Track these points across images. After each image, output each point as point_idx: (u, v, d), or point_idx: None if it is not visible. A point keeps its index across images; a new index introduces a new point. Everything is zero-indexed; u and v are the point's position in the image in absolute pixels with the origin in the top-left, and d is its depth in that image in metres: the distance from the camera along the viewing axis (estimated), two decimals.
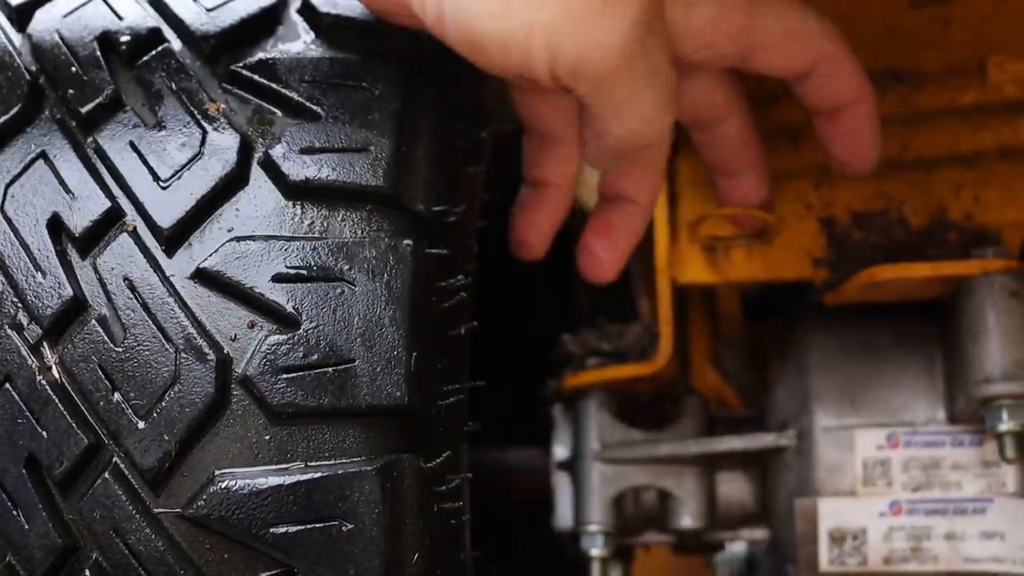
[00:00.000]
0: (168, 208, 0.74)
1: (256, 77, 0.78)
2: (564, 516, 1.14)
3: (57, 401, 0.72)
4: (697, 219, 1.02)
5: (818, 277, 1.01)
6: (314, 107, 0.77)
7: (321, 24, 0.81)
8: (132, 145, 0.76)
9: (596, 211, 0.97)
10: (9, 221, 0.75)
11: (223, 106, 0.78)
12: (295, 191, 0.75)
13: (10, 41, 0.82)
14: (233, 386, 0.71)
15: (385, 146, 0.77)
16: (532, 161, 0.95)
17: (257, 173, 0.76)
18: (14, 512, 0.72)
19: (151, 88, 0.79)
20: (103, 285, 0.73)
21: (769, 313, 1.21)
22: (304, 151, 0.76)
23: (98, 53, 0.80)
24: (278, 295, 0.72)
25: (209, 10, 0.81)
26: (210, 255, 0.73)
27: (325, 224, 0.75)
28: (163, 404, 0.71)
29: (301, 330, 0.72)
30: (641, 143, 0.80)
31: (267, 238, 0.73)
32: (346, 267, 0.73)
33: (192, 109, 0.78)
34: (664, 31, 0.76)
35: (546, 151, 0.93)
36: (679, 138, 1.01)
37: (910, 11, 0.90)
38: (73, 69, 0.79)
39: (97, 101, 0.78)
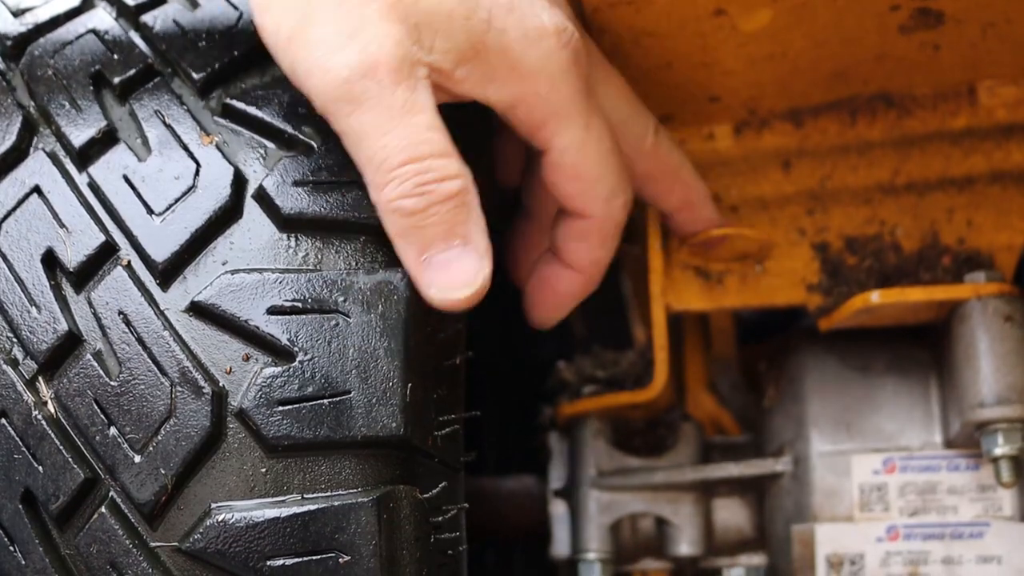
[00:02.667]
0: (162, 242, 0.74)
1: (249, 110, 0.79)
2: (561, 544, 1.13)
3: (53, 436, 0.72)
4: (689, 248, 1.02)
5: (812, 302, 1.01)
6: (307, 139, 0.78)
7: None
8: (126, 179, 0.77)
9: (540, 263, 0.97)
10: (3, 256, 0.75)
11: (216, 139, 0.78)
12: (289, 223, 0.75)
13: (3, 75, 0.82)
14: (229, 419, 0.71)
15: None
16: (554, 239, 0.95)
17: (251, 206, 0.76)
18: (11, 548, 0.72)
19: (144, 122, 0.79)
20: (98, 319, 0.73)
21: (763, 336, 1.21)
22: (297, 183, 0.76)
23: (91, 87, 0.80)
24: (273, 327, 0.72)
25: (201, 43, 0.81)
26: (205, 288, 0.73)
27: (319, 256, 0.75)
28: (159, 438, 0.71)
29: (296, 362, 0.72)
30: (385, 197, 0.75)
31: (261, 271, 0.73)
32: (341, 299, 0.73)
33: (185, 142, 0.78)
34: (420, 90, 0.75)
35: (563, 230, 0.93)
36: None
37: (900, 36, 0.90)
38: (66, 104, 0.80)
39: (91, 135, 0.78)
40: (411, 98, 0.74)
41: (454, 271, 0.76)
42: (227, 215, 0.75)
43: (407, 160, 0.74)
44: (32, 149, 0.79)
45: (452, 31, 0.75)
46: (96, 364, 0.72)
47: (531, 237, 1.00)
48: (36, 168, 0.78)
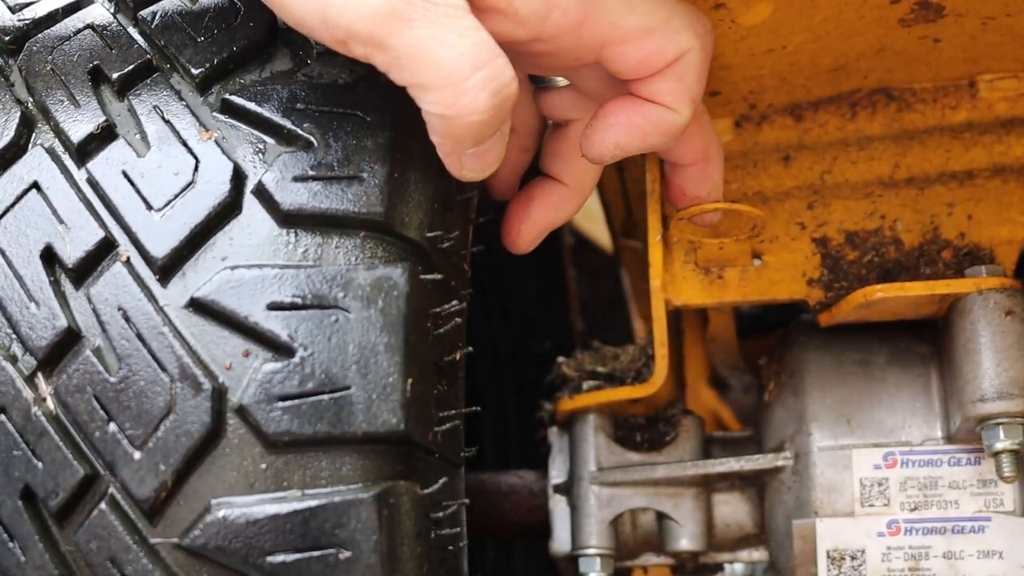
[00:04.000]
0: (162, 237, 0.74)
1: (248, 105, 0.79)
2: (562, 540, 1.13)
3: (52, 432, 0.72)
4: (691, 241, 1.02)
5: (812, 297, 1.01)
6: (307, 135, 0.77)
7: (312, 52, 0.81)
8: (125, 175, 0.76)
9: (528, 184, 0.96)
10: (2, 252, 0.75)
11: (215, 134, 0.78)
12: (288, 219, 0.75)
13: (2, 71, 0.82)
14: (228, 415, 0.71)
15: (378, 173, 0.77)
16: (546, 151, 0.95)
17: (250, 201, 0.76)
18: (10, 544, 0.72)
19: (143, 117, 0.79)
20: (97, 316, 0.73)
21: (763, 330, 1.22)
22: (297, 179, 0.76)
23: (90, 83, 0.80)
24: (273, 323, 0.72)
25: (200, 39, 0.81)
26: (204, 284, 0.73)
27: (319, 252, 0.75)
28: (159, 434, 0.71)
29: (296, 358, 0.72)
30: (460, 118, 0.74)
31: (261, 266, 0.73)
32: (340, 294, 0.73)
33: (184, 138, 0.78)
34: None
35: (556, 143, 0.94)
36: None
37: (900, 30, 0.90)
38: (65, 99, 0.80)
39: (89, 131, 0.78)
40: (456, 3, 0.72)
41: (489, 156, 0.78)
42: (226, 211, 0.75)
43: (477, 67, 0.72)
44: (30, 145, 0.79)
45: None
46: (95, 360, 0.72)
47: (557, 201, 0.97)
48: (35, 164, 0.78)
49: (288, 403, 0.71)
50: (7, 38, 0.83)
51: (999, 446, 0.91)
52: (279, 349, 0.72)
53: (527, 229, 0.96)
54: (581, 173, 0.95)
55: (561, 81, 0.94)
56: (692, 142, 0.92)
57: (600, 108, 0.87)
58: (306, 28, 0.74)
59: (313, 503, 0.70)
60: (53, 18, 0.85)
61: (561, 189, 0.96)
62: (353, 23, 0.71)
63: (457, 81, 0.72)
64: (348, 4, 0.71)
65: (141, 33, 0.83)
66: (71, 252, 0.75)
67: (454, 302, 0.80)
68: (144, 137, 0.78)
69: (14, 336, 0.74)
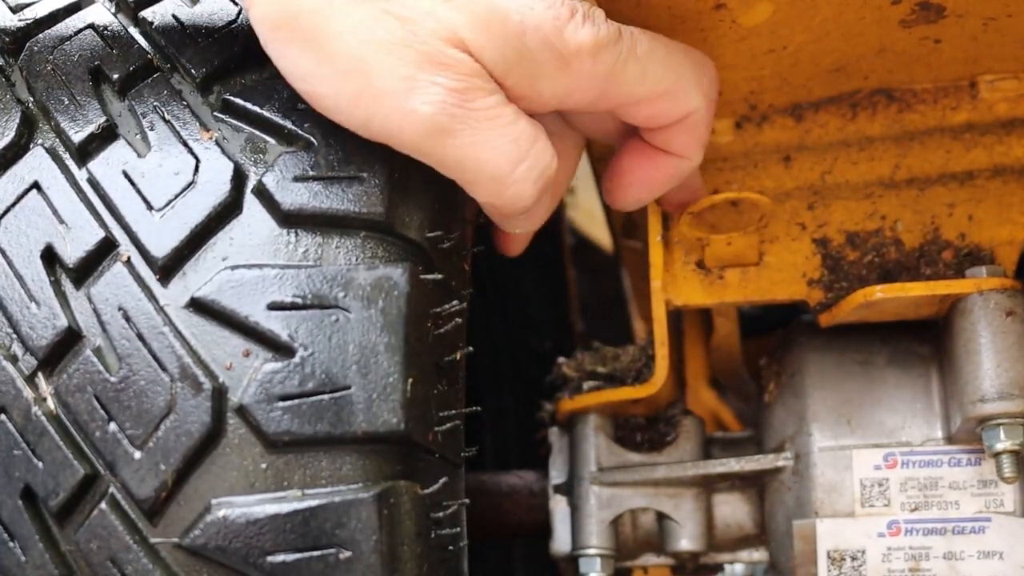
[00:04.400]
0: (162, 237, 0.74)
1: (249, 105, 0.79)
2: (562, 540, 1.13)
3: (53, 432, 0.72)
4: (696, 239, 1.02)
5: (813, 298, 1.01)
6: (307, 135, 0.77)
7: None
8: (125, 175, 0.77)
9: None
10: (3, 252, 0.75)
11: (216, 134, 0.78)
12: (289, 219, 0.75)
13: (2, 71, 0.82)
14: (229, 415, 0.71)
15: (379, 173, 0.77)
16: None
17: (251, 201, 0.76)
18: (11, 544, 0.72)
19: (144, 117, 0.79)
20: (98, 315, 0.73)
21: (764, 331, 1.21)
22: (298, 179, 0.76)
23: (90, 83, 0.80)
24: (273, 323, 0.72)
25: (201, 39, 0.81)
26: (204, 284, 0.73)
27: (319, 252, 0.75)
28: (159, 434, 0.71)
29: (296, 358, 0.72)
30: (508, 207, 0.81)
31: (261, 266, 0.73)
32: (341, 294, 0.73)
33: (185, 138, 0.78)
34: (495, 93, 0.77)
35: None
36: None
37: (900, 30, 0.90)
38: (66, 99, 0.80)
39: (90, 131, 0.78)
40: (490, 104, 0.76)
41: (535, 217, 0.87)
42: (227, 211, 0.75)
43: (519, 160, 0.78)
44: (31, 145, 0.79)
45: (494, 42, 0.75)
46: (96, 360, 0.72)
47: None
48: (35, 164, 0.78)
49: (288, 403, 0.71)
50: (8, 38, 0.83)
51: (999, 447, 0.91)
52: (279, 349, 0.72)
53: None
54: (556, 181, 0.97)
55: None
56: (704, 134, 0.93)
57: (616, 162, 0.93)
58: (348, 126, 0.77)
59: (313, 503, 0.70)
60: (54, 18, 0.85)
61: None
62: (397, 137, 0.76)
63: (502, 177, 0.78)
64: (392, 122, 0.75)
65: (142, 33, 0.83)
66: (72, 252, 0.75)
67: (454, 302, 0.80)
68: (145, 137, 0.78)
69: (14, 336, 0.74)
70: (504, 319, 1.60)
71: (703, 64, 0.86)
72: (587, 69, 0.79)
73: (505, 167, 0.77)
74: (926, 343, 1.02)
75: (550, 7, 0.77)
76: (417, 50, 0.74)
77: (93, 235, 0.75)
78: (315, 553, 0.70)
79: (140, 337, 0.72)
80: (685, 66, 0.84)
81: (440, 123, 0.74)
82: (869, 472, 1.00)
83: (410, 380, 0.73)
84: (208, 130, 0.78)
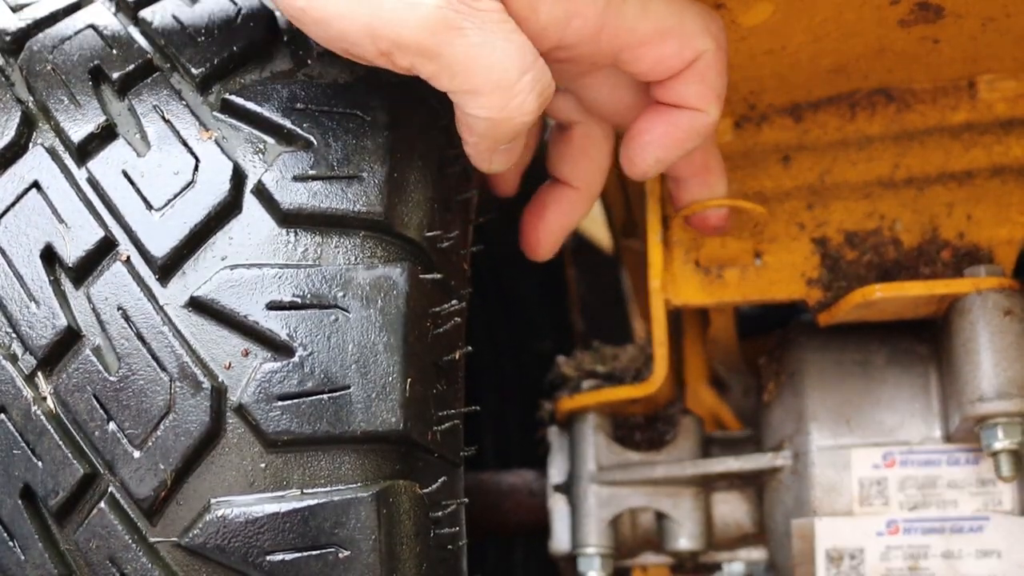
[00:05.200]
0: (161, 237, 0.74)
1: (248, 105, 0.79)
2: (561, 539, 1.13)
3: (52, 431, 0.72)
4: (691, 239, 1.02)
5: (811, 297, 1.01)
6: (306, 135, 0.78)
7: (312, 52, 0.81)
8: (125, 174, 0.77)
9: (538, 191, 0.98)
10: (2, 251, 0.75)
11: (215, 134, 0.78)
12: (288, 219, 0.75)
13: (2, 70, 0.82)
14: (228, 414, 0.71)
15: (378, 173, 0.77)
16: (552, 156, 0.96)
17: (250, 201, 0.76)
18: (10, 543, 0.72)
19: (143, 117, 0.79)
20: (97, 315, 0.73)
21: (763, 331, 1.22)
22: (297, 178, 0.76)
23: (90, 82, 0.80)
24: (272, 323, 0.72)
25: (201, 39, 0.81)
26: (204, 283, 0.73)
27: (318, 251, 0.75)
28: (158, 433, 0.71)
29: (296, 358, 0.72)
30: (508, 121, 0.77)
31: (261, 266, 0.74)
32: (340, 294, 0.73)
33: (184, 137, 0.78)
34: (507, 7, 0.74)
35: (562, 145, 0.95)
36: None
37: (899, 30, 0.90)
38: (65, 99, 0.80)
39: (90, 130, 0.78)
40: (495, 7, 0.73)
41: (515, 150, 0.83)
42: (226, 210, 0.75)
43: (524, 70, 0.75)
44: (31, 144, 0.79)
45: None
46: (95, 359, 0.72)
47: (567, 205, 0.98)
48: (35, 163, 0.78)
49: (287, 402, 0.71)
50: (8, 38, 0.83)
51: (998, 446, 0.91)
52: (278, 348, 0.72)
53: (545, 236, 0.98)
54: (589, 175, 0.96)
55: None
56: (690, 155, 0.92)
57: (633, 126, 0.89)
58: (348, 43, 0.74)
59: (312, 502, 0.70)
60: (54, 18, 0.85)
61: (571, 192, 0.97)
62: (403, 35, 0.72)
63: (509, 85, 0.75)
64: (397, 16, 0.71)
65: (142, 33, 0.83)
66: (71, 251, 0.75)
67: (454, 301, 0.80)
68: (144, 137, 0.78)
69: (14, 335, 0.74)
70: (504, 319, 1.60)
71: (708, 10, 0.84)
72: None
73: (512, 73, 0.74)
74: (925, 342, 1.02)
75: None
76: None
77: (93, 234, 0.75)
78: (314, 552, 0.70)
79: (139, 336, 0.72)
80: (688, 7, 0.82)
81: (448, 18, 0.72)
82: (868, 471, 1.00)
83: (409, 380, 0.73)
84: (207, 130, 0.78)
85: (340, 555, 0.70)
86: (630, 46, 0.81)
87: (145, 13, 0.83)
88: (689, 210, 0.97)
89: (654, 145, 0.88)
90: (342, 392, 0.72)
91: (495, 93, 0.75)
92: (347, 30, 0.73)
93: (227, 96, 0.79)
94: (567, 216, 0.98)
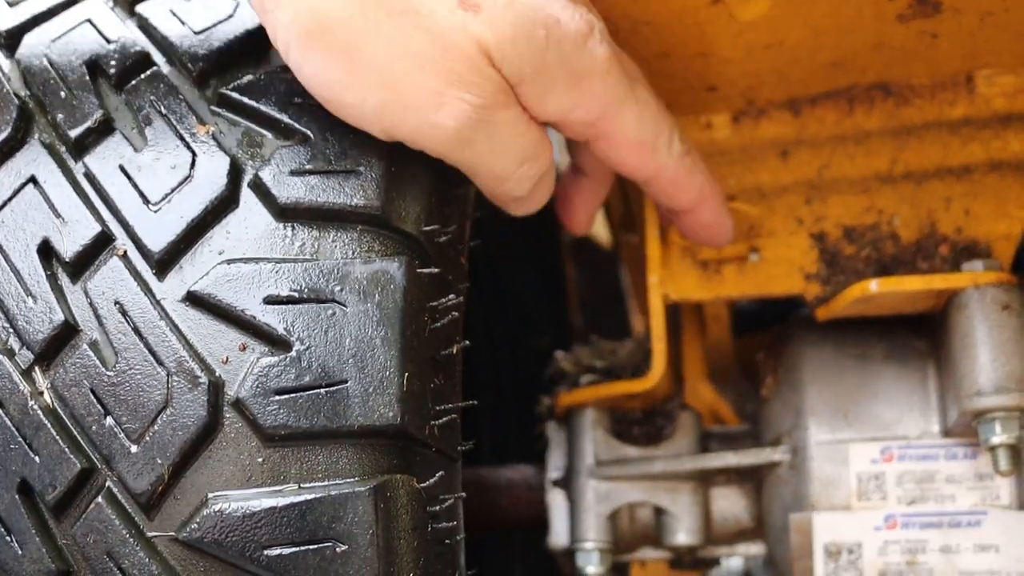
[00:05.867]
0: (158, 232, 0.74)
1: (245, 99, 0.79)
2: (560, 534, 1.13)
3: (49, 426, 0.72)
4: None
5: (809, 292, 1.01)
6: (304, 129, 0.77)
7: None
8: (122, 169, 0.77)
9: (563, 177, 1.02)
10: (0, 246, 0.75)
11: (213, 128, 0.78)
12: (285, 213, 0.75)
13: None
14: (225, 409, 0.71)
15: (375, 167, 0.77)
16: (571, 150, 1.01)
17: (247, 195, 0.76)
18: (7, 538, 0.72)
19: (140, 112, 0.79)
20: (94, 309, 0.73)
21: (761, 326, 1.22)
22: (294, 173, 0.76)
23: (87, 77, 0.80)
24: (270, 317, 0.72)
25: (198, 33, 0.81)
26: (201, 278, 0.73)
27: (316, 246, 0.75)
28: (155, 428, 0.71)
29: (293, 352, 0.72)
30: (512, 194, 0.85)
31: (258, 260, 0.73)
32: (337, 288, 0.73)
33: (181, 132, 0.78)
34: (514, 106, 0.79)
35: (576, 145, 0.98)
36: None
37: (898, 25, 0.90)
38: (62, 93, 0.80)
39: (87, 125, 0.78)
40: (509, 117, 0.79)
41: (534, 201, 0.90)
42: (223, 205, 0.75)
43: (522, 162, 0.82)
44: (28, 139, 0.79)
45: (518, 55, 0.77)
46: (92, 354, 0.72)
47: (588, 192, 1.03)
48: (32, 158, 0.78)
49: (285, 397, 0.71)
50: (5, 32, 0.83)
51: (996, 440, 0.91)
52: (276, 343, 0.72)
53: (580, 219, 1.04)
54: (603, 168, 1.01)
55: None
56: (683, 193, 0.95)
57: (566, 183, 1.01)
58: (368, 131, 0.79)
59: (310, 496, 0.70)
60: (51, 12, 0.85)
61: (586, 181, 1.02)
62: (420, 145, 0.78)
63: (506, 176, 0.83)
64: (420, 131, 0.77)
65: (139, 27, 0.83)
66: (68, 246, 0.75)
67: (451, 296, 0.80)
68: (141, 131, 0.78)
69: (11, 330, 0.74)
70: (502, 314, 1.60)
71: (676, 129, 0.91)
72: (597, 88, 0.82)
73: (510, 167, 0.82)
74: (923, 337, 1.02)
75: (573, 20, 0.79)
76: (447, 66, 0.75)
77: (90, 229, 0.75)
78: (312, 547, 0.70)
79: (136, 331, 0.72)
80: (668, 118, 0.89)
81: (464, 136, 0.77)
82: (866, 466, 1.00)
83: (406, 374, 0.73)
84: (204, 124, 0.78)
85: (338, 549, 0.70)
86: (614, 144, 0.88)
87: (142, 8, 0.83)
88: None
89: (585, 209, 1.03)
90: (339, 386, 0.72)
91: (492, 180, 0.83)
92: (365, 128, 0.78)
93: (224, 91, 0.79)
94: (592, 201, 1.04)
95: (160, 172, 0.76)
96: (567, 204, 1.03)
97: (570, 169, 1.02)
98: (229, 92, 0.79)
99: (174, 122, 0.78)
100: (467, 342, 0.83)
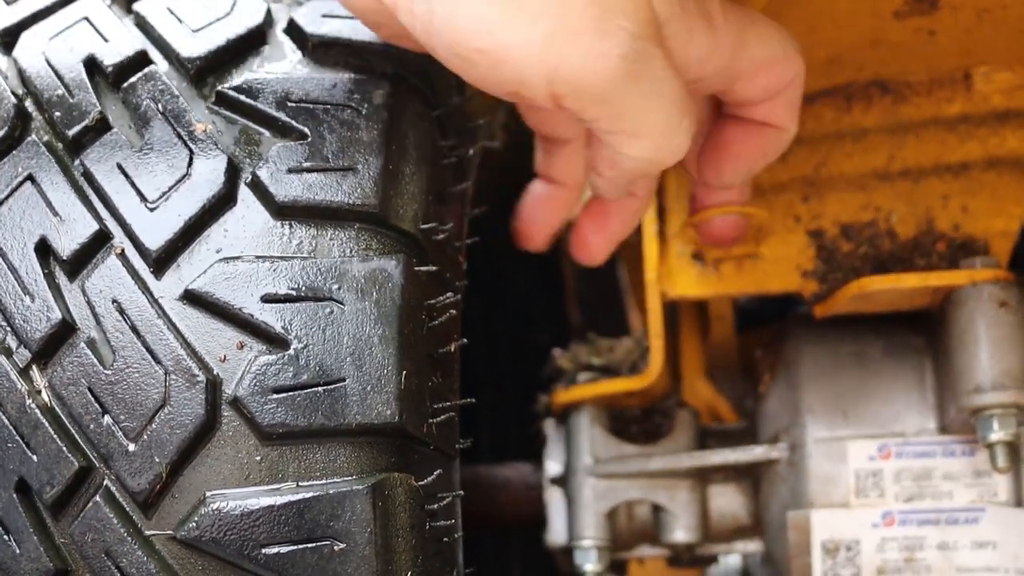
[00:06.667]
0: (156, 230, 0.74)
1: (243, 98, 0.79)
2: (558, 532, 1.13)
3: (47, 425, 0.72)
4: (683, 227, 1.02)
5: (807, 289, 1.01)
6: (301, 127, 0.77)
7: (307, 44, 0.81)
8: (119, 167, 0.76)
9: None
10: None
11: (210, 127, 0.78)
12: (283, 211, 0.75)
13: None
14: (223, 407, 0.71)
15: (372, 165, 0.77)
16: (541, 160, 0.95)
17: (245, 193, 0.76)
18: (5, 537, 0.72)
19: (137, 110, 0.79)
20: (92, 308, 0.73)
21: (758, 323, 1.22)
22: (291, 171, 0.76)
23: (84, 75, 0.80)
24: (267, 315, 0.72)
25: (195, 31, 0.81)
26: (198, 276, 0.73)
27: (313, 244, 0.75)
28: (153, 426, 0.71)
29: (291, 350, 0.72)
30: (663, 162, 0.78)
31: (256, 258, 0.73)
32: (335, 286, 0.73)
33: (179, 130, 0.78)
34: (664, 47, 0.74)
35: (554, 153, 0.94)
36: None
37: (895, 22, 0.90)
38: (59, 92, 0.79)
39: (84, 124, 0.78)
40: (661, 55, 0.73)
41: None
42: (221, 203, 0.75)
43: (684, 113, 0.75)
44: (25, 137, 0.79)
45: None
46: (90, 353, 0.72)
47: (557, 203, 0.98)
48: (29, 157, 0.78)
49: (283, 395, 0.71)
50: (2, 30, 0.83)
51: (993, 437, 0.91)
52: (274, 341, 0.72)
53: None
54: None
55: None
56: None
57: (714, 139, 0.90)
58: (519, 84, 0.73)
59: (308, 495, 0.70)
60: (48, 10, 0.84)
61: (631, 200, 0.96)
62: (586, 82, 0.71)
63: (672, 129, 0.75)
64: (586, 65, 0.70)
65: (136, 25, 0.83)
66: (65, 244, 0.74)
67: (449, 294, 0.80)
68: (138, 130, 0.78)
69: (8, 328, 0.74)
70: (500, 311, 1.60)
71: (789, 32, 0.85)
72: (723, 26, 0.77)
73: (675, 118, 0.75)
74: (920, 334, 1.02)
75: None
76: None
77: (87, 227, 0.75)
78: (309, 545, 0.70)
79: (134, 329, 0.72)
80: (783, 30, 0.83)
81: (629, 68, 0.71)
82: (864, 463, 1.00)
83: (404, 372, 0.73)
84: (202, 123, 0.78)
85: (336, 548, 0.70)
86: (749, 74, 0.82)
87: (139, 5, 0.83)
88: (695, 219, 0.98)
89: (743, 158, 0.89)
90: (337, 385, 0.72)
91: (659, 137, 0.75)
92: (526, 74, 0.72)
93: (221, 88, 0.79)
94: (628, 223, 0.98)
95: (157, 170, 0.76)
96: (532, 217, 0.98)
97: (535, 183, 0.98)
98: (227, 90, 0.79)
99: (171, 120, 0.78)
100: (465, 340, 0.83)
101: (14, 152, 0.78)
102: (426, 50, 0.73)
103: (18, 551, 0.72)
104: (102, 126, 0.78)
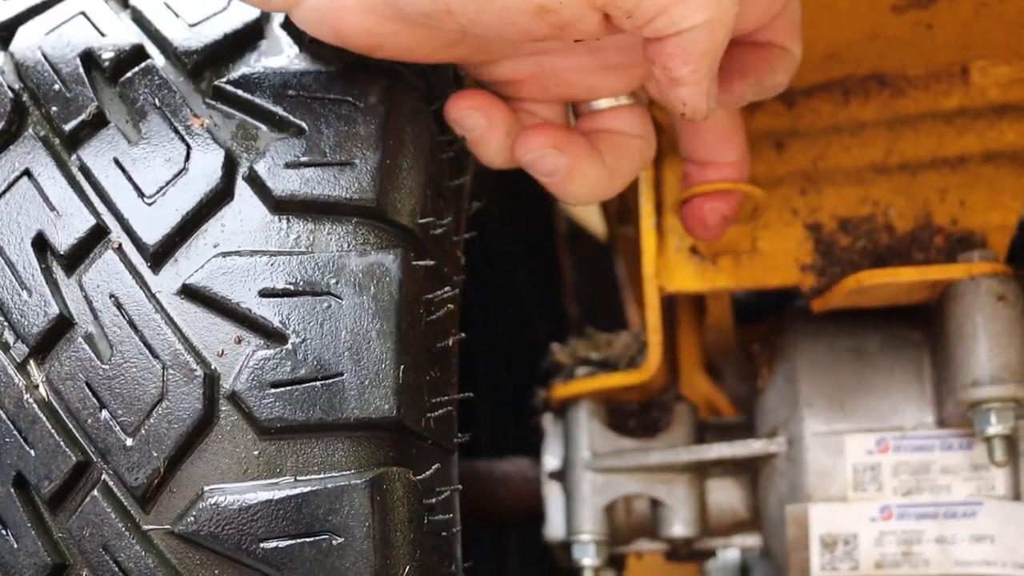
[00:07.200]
0: (153, 224, 0.74)
1: (240, 92, 0.79)
2: (556, 526, 1.14)
3: (45, 419, 0.72)
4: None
5: (805, 283, 1.01)
6: (298, 121, 0.77)
7: (304, 38, 0.81)
8: (116, 162, 0.76)
9: (685, 178, 0.95)
10: None
11: (207, 121, 0.78)
12: (280, 206, 0.75)
13: None
14: (221, 401, 0.71)
15: (370, 159, 0.77)
16: (689, 143, 0.94)
17: (242, 188, 0.76)
18: (3, 531, 0.72)
19: (135, 104, 0.79)
20: (89, 302, 0.73)
21: (757, 318, 1.22)
22: (289, 165, 0.76)
23: (81, 70, 0.80)
24: (265, 310, 0.72)
25: (192, 26, 0.81)
26: (196, 271, 0.73)
27: (311, 238, 0.75)
28: (151, 421, 0.71)
29: (288, 344, 0.72)
30: (723, 16, 0.72)
31: (253, 253, 0.73)
32: (332, 281, 0.73)
33: (176, 125, 0.78)
34: None
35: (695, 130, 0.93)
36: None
37: (893, 16, 0.90)
38: (56, 86, 0.79)
39: (81, 118, 0.78)
40: None
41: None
42: (218, 197, 0.75)
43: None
44: (22, 132, 0.79)
45: None
46: (87, 347, 0.72)
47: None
48: (26, 151, 0.78)
49: (280, 389, 0.71)
50: None
51: (991, 431, 0.91)
52: (271, 336, 0.72)
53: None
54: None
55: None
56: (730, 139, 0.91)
57: (726, 56, 0.84)
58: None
59: (306, 489, 0.70)
60: (45, 4, 0.84)
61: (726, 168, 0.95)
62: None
63: (724, 27, 0.72)
64: None
65: (133, 19, 0.83)
66: (63, 239, 0.74)
67: (447, 288, 0.80)
68: (136, 124, 0.78)
69: (6, 323, 0.74)
70: (498, 306, 1.60)
71: None
72: None
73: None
74: (918, 328, 1.02)
75: None
76: None
77: (84, 222, 0.75)
78: (308, 539, 0.70)
79: (132, 324, 0.72)
80: None
81: None
82: (861, 457, 1.00)
83: (402, 366, 0.73)
84: (199, 117, 0.78)
85: (334, 542, 0.70)
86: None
87: (136, 0, 0.83)
88: (690, 192, 0.95)
89: (753, 72, 0.86)
90: (335, 379, 0.72)
91: (709, 21, 0.71)
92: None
93: (219, 83, 0.79)
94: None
95: (155, 165, 0.76)
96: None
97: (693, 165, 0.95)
98: (223, 85, 0.79)
99: (168, 115, 0.78)
100: (463, 334, 0.83)
101: (11, 147, 0.78)
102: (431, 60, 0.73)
103: (16, 545, 0.71)
104: (99, 121, 0.78)
